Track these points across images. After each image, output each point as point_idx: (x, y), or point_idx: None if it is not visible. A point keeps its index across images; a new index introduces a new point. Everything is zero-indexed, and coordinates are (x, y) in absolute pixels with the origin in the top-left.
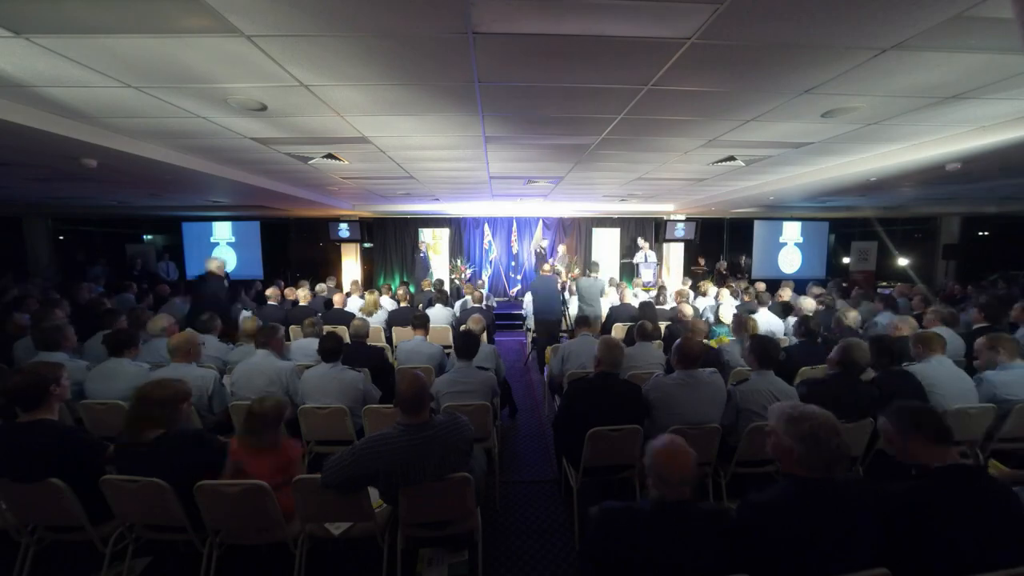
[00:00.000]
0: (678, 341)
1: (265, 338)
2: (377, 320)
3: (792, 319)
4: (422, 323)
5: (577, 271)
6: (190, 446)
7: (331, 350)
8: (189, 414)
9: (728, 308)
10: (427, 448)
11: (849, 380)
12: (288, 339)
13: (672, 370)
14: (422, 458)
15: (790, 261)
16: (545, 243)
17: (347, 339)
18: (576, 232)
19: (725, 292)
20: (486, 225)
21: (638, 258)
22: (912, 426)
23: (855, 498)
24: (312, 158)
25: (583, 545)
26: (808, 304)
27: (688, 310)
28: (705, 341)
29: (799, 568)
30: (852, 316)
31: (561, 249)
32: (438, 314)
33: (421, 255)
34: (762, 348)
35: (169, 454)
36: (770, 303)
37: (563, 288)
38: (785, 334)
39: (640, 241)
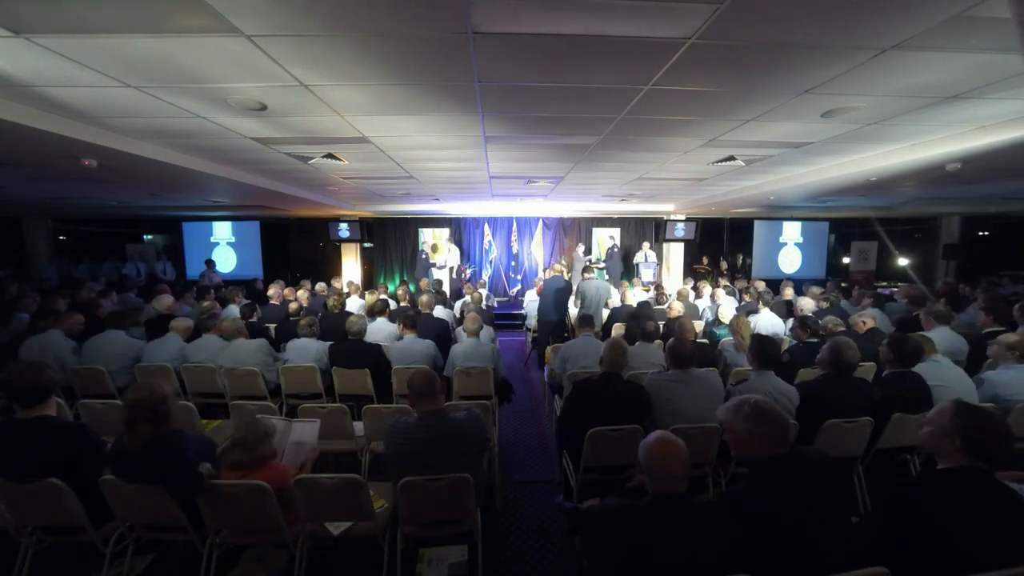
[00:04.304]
0: (670, 341)
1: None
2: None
3: (792, 319)
4: (412, 322)
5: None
6: (181, 448)
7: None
8: (180, 416)
9: (728, 308)
10: (445, 440)
11: (842, 380)
12: None
13: (668, 369)
14: (439, 449)
15: (790, 261)
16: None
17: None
18: (576, 232)
19: (720, 292)
20: (486, 225)
21: (638, 258)
22: (961, 433)
23: (827, 470)
24: (312, 158)
25: (584, 543)
26: (807, 304)
27: (678, 307)
28: (703, 341)
29: (790, 546)
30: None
31: (580, 249)
32: (439, 314)
33: (423, 255)
34: (761, 348)
35: (159, 456)
36: (772, 302)
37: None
38: (786, 334)
39: (646, 245)
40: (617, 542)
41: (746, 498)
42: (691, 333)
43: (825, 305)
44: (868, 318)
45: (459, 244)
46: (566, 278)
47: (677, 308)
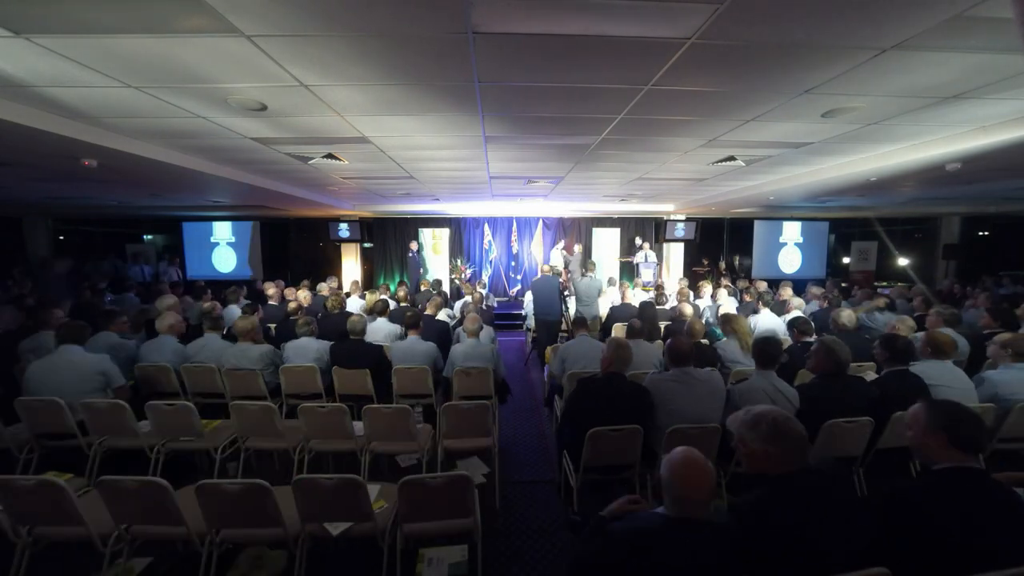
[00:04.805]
0: (668, 341)
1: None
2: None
3: (787, 317)
4: (415, 323)
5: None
6: None
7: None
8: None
9: (728, 308)
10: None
11: (838, 380)
12: None
13: (668, 369)
14: None
15: (790, 261)
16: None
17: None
18: (576, 232)
19: (722, 292)
20: (486, 225)
21: (638, 258)
22: (942, 427)
23: (843, 485)
24: (312, 158)
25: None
26: (797, 302)
27: (688, 309)
28: (704, 341)
29: (798, 564)
30: (846, 315)
31: (577, 248)
32: (438, 315)
33: (411, 255)
34: (761, 348)
35: None
36: (772, 303)
37: (563, 289)
38: (785, 335)
39: (638, 240)
40: (632, 564)
41: (760, 515)
42: (700, 334)
43: (825, 305)
44: (904, 326)
45: (459, 244)
46: (564, 279)
47: (688, 311)
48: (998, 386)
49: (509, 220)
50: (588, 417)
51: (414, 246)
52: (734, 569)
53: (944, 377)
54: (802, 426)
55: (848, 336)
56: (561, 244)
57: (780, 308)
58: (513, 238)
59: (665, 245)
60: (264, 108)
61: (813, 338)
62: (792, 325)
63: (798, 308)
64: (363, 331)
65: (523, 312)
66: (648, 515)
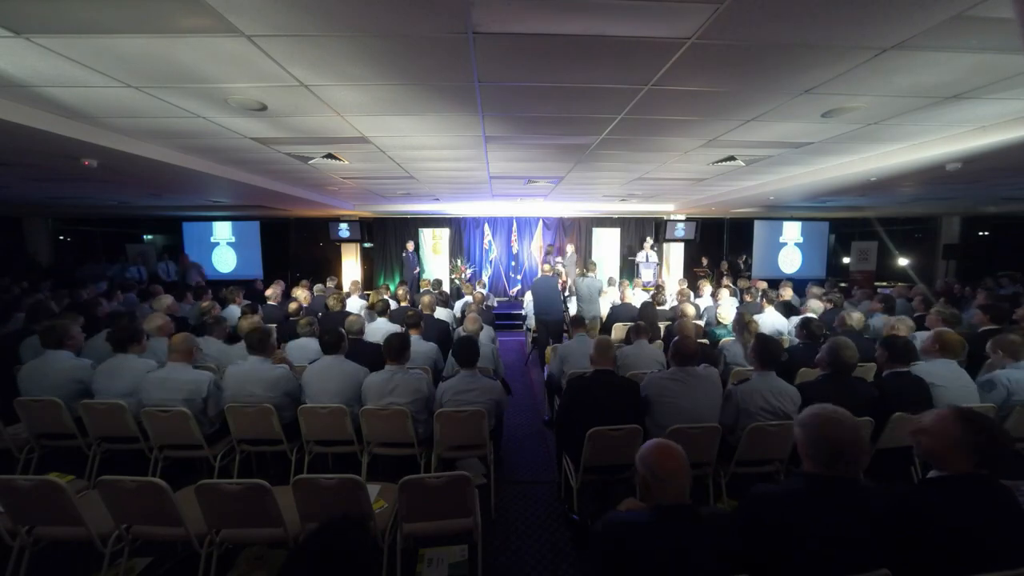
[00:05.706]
0: (675, 340)
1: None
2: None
3: (795, 319)
4: (415, 322)
5: (577, 271)
6: None
7: (333, 343)
8: None
9: (727, 308)
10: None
11: (841, 380)
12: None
13: (669, 367)
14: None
15: (790, 261)
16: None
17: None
18: (576, 232)
19: (724, 292)
20: (486, 225)
21: (639, 258)
22: (974, 445)
23: (867, 500)
24: (312, 158)
25: (587, 561)
26: (815, 305)
27: (690, 310)
28: (704, 341)
29: (800, 562)
30: (856, 317)
31: (570, 249)
32: (439, 315)
33: (406, 254)
34: (764, 348)
35: None
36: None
37: (564, 288)
38: (788, 333)
39: (648, 240)
40: (622, 557)
41: (771, 497)
42: (691, 333)
43: (829, 306)
44: (904, 327)
45: (459, 244)
46: (563, 278)
47: (688, 310)
48: (1011, 385)
49: (509, 220)
50: (581, 415)
51: (410, 246)
52: (722, 558)
53: (946, 377)
54: (853, 440)
55: (853, 337)
56: (552, 247)
57: (784, 309)
58: (513, 238)
59: (665, 245)
60: (264, 108)
61: (822, 340)
62: (804, 326)
63: (814, 311)
64: (361, 330)
65: (523, 312)
66: (637, 511)
